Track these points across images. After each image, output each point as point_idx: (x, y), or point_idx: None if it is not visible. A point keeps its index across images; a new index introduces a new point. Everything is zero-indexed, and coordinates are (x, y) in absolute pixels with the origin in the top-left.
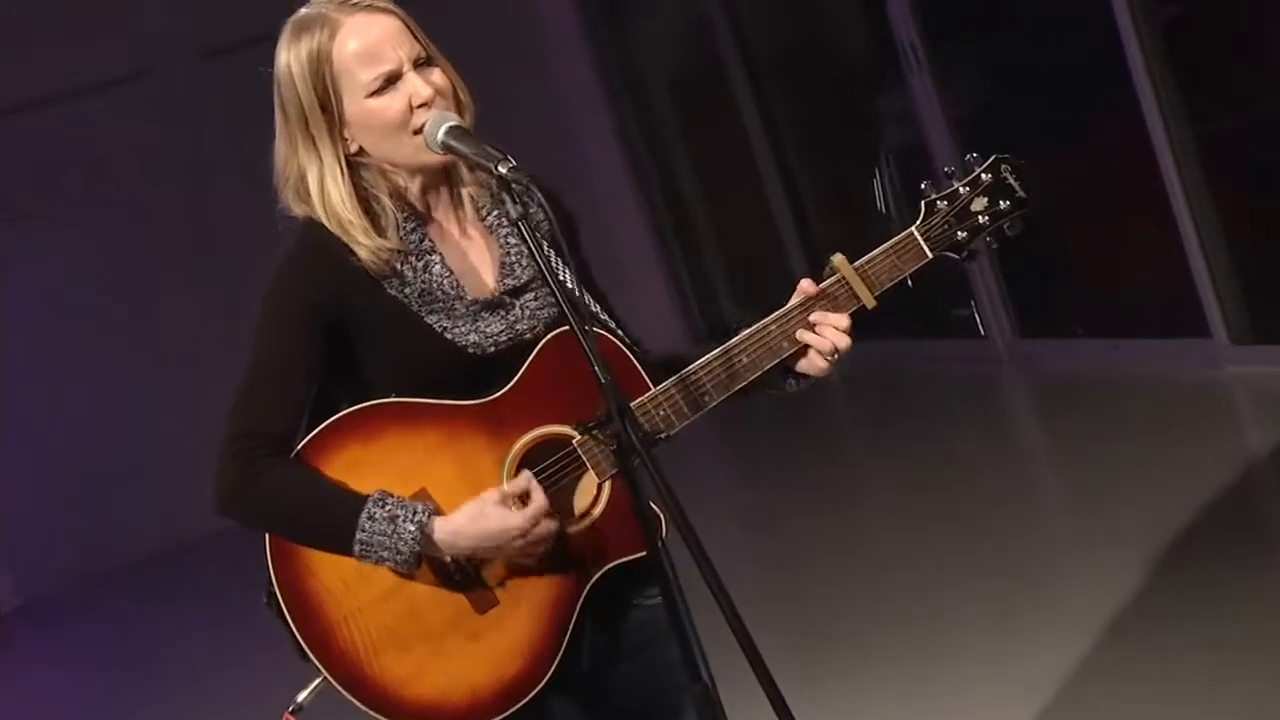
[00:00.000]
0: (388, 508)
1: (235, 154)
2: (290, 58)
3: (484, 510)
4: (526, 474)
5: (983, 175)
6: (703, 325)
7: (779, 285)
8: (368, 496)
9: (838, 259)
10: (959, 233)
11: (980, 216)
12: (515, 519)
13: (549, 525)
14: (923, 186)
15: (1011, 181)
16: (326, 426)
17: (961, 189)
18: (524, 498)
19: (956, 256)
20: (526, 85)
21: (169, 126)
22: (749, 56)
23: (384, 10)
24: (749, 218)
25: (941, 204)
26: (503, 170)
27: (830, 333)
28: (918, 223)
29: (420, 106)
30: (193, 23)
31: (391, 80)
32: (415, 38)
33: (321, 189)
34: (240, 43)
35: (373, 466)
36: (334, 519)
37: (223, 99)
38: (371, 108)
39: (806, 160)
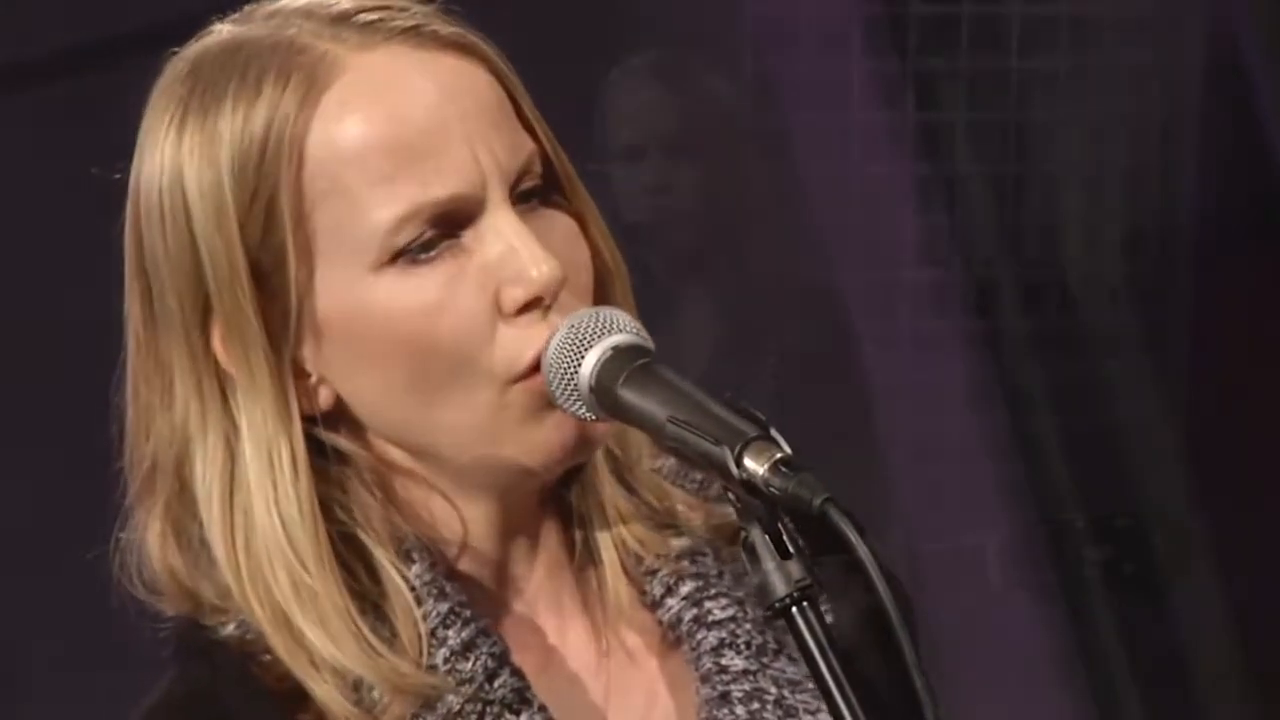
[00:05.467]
0: None
1: None
2: (182, 155)
3: None
4: None
5: None
6: None
7: None
8: None
9: None
10: None
11: None
12: None
13: None
14: None
15: None
16: None
17: None
18: None
19: None
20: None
21: None
22: None
23: (451, 45)
24: None
25: None
26: (756, 469)
27: None
28: None
29: (529, 308)
30: None
31: (450, 224)
32: (530, 126)
33: (226, 504)
34: None
35: None
36: None
37: None
38: (389, 300)
39: None
